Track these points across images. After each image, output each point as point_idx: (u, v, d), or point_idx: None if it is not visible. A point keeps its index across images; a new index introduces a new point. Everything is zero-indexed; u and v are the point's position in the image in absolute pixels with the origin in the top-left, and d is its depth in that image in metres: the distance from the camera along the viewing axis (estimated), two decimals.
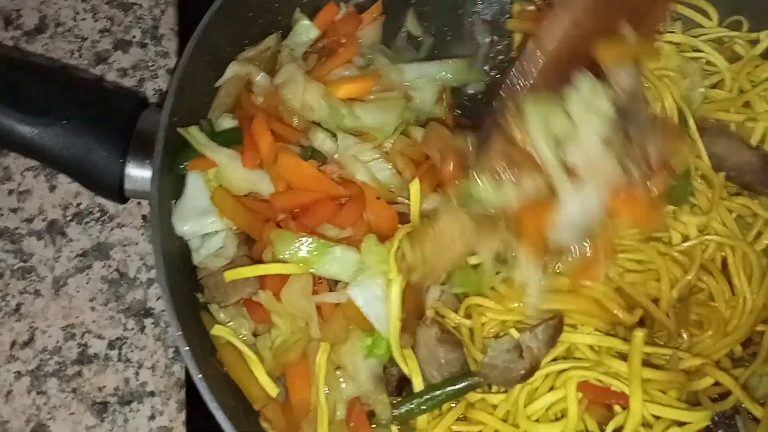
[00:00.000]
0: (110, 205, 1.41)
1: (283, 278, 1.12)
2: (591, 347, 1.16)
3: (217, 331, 1.12)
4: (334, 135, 1.20)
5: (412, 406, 1.12)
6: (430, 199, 1.16)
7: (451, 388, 1.12)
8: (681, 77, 1.31)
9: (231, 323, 1.14)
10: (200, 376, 1.03)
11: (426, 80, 1.34)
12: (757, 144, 1.29)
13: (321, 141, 1.18)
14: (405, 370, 1.14)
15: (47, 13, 1.51)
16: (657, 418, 1.11)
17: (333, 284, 1.15)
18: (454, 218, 1.08)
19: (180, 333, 1.04)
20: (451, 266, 1.13)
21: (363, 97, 1.27)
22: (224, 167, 1.16)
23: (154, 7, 1.54)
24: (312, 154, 1.20)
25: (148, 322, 1.36)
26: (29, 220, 1.40)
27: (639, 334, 1.10)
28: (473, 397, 1.16)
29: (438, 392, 1.12)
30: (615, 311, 1.16)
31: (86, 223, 1.41)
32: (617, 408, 1.13)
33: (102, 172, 1.18)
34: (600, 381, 1.11)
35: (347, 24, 1.35)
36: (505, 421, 1.14)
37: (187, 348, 1.04)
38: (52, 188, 1.42)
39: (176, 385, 1.33)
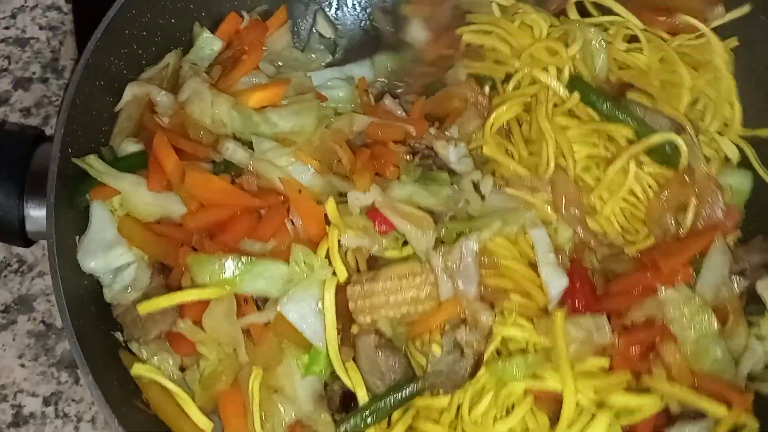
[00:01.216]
0: (28, 255, 1.33)
1: (204, 304, 1.04)
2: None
3: (137, 370, 1.04)
4: (246, 143, 1.13)
5: (357, 420, 1.04)
6: (371, 193, 1.10)
7: (396, 396, 1.05)
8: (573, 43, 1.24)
9: (154, 360, 1.06)
10: (116, 423, 0.95)
11: (340, 81, 1.28)
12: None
13: (231, 151, 1.11)
14: (348, 383, 1.06)
15: None
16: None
17: (262, 302, 1.07)
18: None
19: (90, 379, 0.96)
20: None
21: (276, 103, 1.19)
22: (129, 194, 1.08)
23: (51, 39, 1.46)
24: (226, 167, 1.12)
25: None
26: None
27: (559, 314, 1.04)
28: (418, 402, 1.09)
29: (382, 403, 1.04)
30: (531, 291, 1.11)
31: (5, 276, 1.32)
32: None
33: (0, 218, 1.10)
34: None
35: (253, 32, 1.28)
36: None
37: (99, 395, 0.95)
38: None
39: None
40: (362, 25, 1.42)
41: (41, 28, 1.47)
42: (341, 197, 1.12)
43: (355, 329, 1.08)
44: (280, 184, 1.10)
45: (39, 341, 1.29)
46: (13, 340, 1.29)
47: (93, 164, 1.08)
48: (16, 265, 1.33)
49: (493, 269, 1.12)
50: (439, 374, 1.04)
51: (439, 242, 1.11)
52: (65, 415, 1.25)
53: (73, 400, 1.26)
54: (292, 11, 1.37)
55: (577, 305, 1.06)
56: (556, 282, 1.08)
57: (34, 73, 1.44)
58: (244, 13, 1.31)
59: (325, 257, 1.07)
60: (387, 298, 1.05)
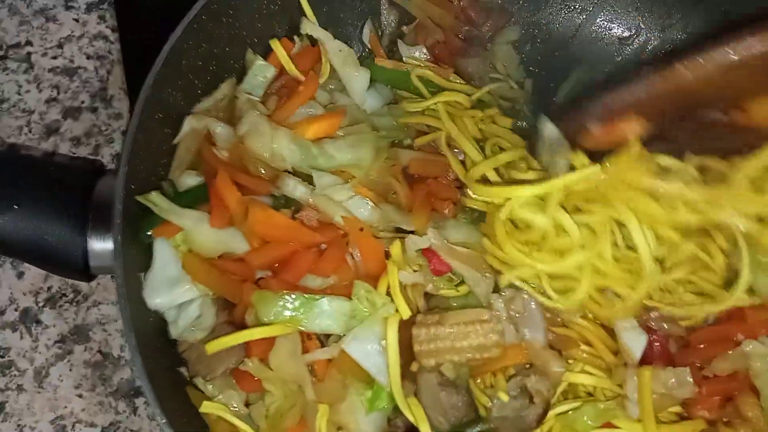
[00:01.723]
0: (83, 285, 1.34)
1: (270, 341, 1.04)
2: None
3: (206, 408, 1.04)
4: (307, 178, 1.13)
5: None
6: (428, 236, 1.10)
7: None
8: None
9: (220, 396, 1.06)
10: None
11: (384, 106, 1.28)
12: None
13: (292, 188, 1.10)
14: (411, 418, 1.05)
15: None
16: None
17: (325, 338, 1.08)
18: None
19: (165, 421, 0.96)
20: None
21: (332, 134, 1.19)
22: (192, 231, 1.08)
23: (99, 68, 1.46)
24: (285, 202, 1.12)
25: (139, 402, 1.28)
26: (0, 312, 1.32)
27: (646, 373, 1.03)
28: None
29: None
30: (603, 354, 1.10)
31: (60, 306, 1.33)
32: None
33: (63, 253, 1.10)
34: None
35: (305, 58, 1.27)
36: None
37: None
38: (20, 275, 1.34)
39: None
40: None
41: (89, 57, 1.47)
42: (396, 231, 1.12)
43: (414, 367, 1.08)
44: (341, 221, 1.10)
45: (96, 371, 1.29)
46: (70, 370, 1.29)
47: (156, 201, 1.08)
48: (71, 296, 1.33)
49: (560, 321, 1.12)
50: (505, 419, 1.04)
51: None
52: None
53: (131, 430, 1.27)
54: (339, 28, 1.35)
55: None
56: (637, 343, 1.07)
57: (83, 102, 1.44)
58: (296, 38, 1.30)
59: (386, 293, 1.07)
60: (453, 343, 1.04)
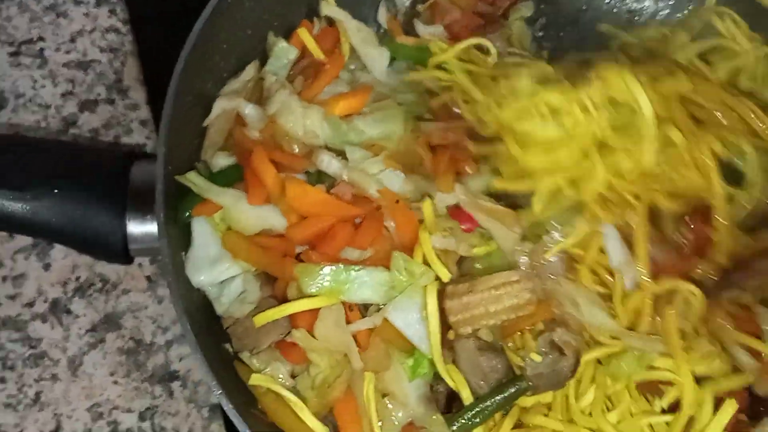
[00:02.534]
0: (111, 273, 1.34)
1: (314, 313, 1.06)
2: None
3: (255, 380, 1.06)
4: (339, 154, 1.15)
5: (465, 420, 1.06)
6: (456, 193, 1.12)
7: (501, 396, 1.07)
8: None
9: (267, 369, 1.08)
10: (248, 429, 0.97)
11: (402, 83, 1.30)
12: None
13: (327, 163, 1.13)
14: (451, 384, 1.09)
15: (4, 87, 1.44)
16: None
17: (364, 309, 1.10)
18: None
19: (221, 392, 0.98)
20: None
21: (359, 110, 1.22)
22: (230, 208, 1.10)
23: (113, 60, 1.47)
24: (319, 178, 1.15)
25: (175, 385, 1.29)
26: (30, 304, 1.32)
27: (671, 312, 1.06)
28: (526, 401, 1.11)
29: (488, 402, 1.07)
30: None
31: (90, 295, 1.33)
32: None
33: (103, 236, 1.11)
34: None
35: (326, 39, 1.29)
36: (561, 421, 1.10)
37: (231, 406, 0.98)
38: (47, 267, 1.34)
39: None
40: None
41: (102, 50, 1.48)
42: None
43: (451, 335, 1.10)
44: (376, 194, 1.12)
45: (130, 357, 1.30)
46: (104, 358, 1.30)
47: (195, 181, 1.10)
48: (99, 285, 1.34)
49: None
50: (541, 376, 1.07)
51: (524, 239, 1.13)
52: (162, 428, 1.27)
53: (169, 414, 1.28)
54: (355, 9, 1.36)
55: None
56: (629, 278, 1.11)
57: (99, 94, 1.45)
58: (315, 19, 1.32)
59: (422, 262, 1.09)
60: (486, 308, 1.06)
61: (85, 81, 1.46)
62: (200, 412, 1.28)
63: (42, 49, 1.48)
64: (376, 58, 1.29)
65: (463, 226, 1.13)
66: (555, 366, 1.08)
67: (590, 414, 1.09)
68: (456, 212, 1.14)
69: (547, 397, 1.11)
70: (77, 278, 1.34)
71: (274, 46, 1.26)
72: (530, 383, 1.08)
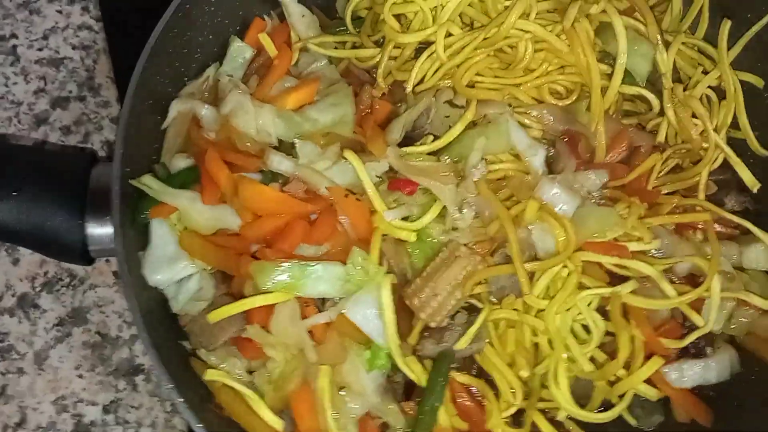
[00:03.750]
0: (79, 268, 1.37)
1: (269, 309, 1.09)
2: None
3: (210, 375, 1.08)
4: (289, 152, 1.17)
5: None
6: (387, 158, 1.16)
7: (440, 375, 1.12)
8: None
9: (223, 365, 1.11)
10: (200, 425, 1.00)
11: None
12: None
13: (277, 162, 1.14)
14: (411, 376, 1.12)
15: None
16: None
17: (320, 304, 1.13)
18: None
19: (172, 386, 1.01)
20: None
21: (311, 100, 1.24)
22: (186, 210, 1.13)
23: (85, 57, 1.49)
24: (273, 176, 1.17)
25: (139, 379, 1.32)
26: None
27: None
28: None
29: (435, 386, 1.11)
30: None
31: (57, 290, 1.36)
32: None
33: (63, 238, 1.14)
34: None
35: (277, 36, 1.31)
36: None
37: (182, 400, 1.01)
38: (15, 261, 1.38)
39: None
40: None
41: (74, 47, 1.50)
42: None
43: (413, 340, 1.14)
44: (326, 191, 1.14)
45: (95, 352, 1.34)
46: (70, 351, 1.33)
47: (150, 184, 1.12)
48: (67, 280, 1.37)
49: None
50: (504, 289, 1.16)
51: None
52: (125, 421, 1.31)
53: (132, 407, 1.31)
54: None
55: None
56: (536, 158, 1.20)
57: (70, 91, 1.47)
58: (266, 18, 1.34)
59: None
60: (447, 287, 1.11)
61: (57, 78, 1.49)
62: (163, 406, 1.31)
63: (15, 46, 1.50)
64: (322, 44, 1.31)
65: (405, 191, 1.17)
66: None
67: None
68: (394, 183, 1.17)
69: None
70: (45, 273, 1.37)
71: (230, 46, 1.28)
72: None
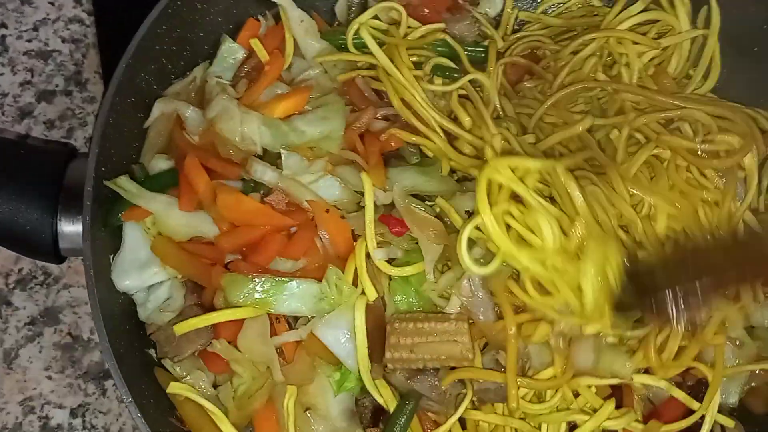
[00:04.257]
0: (54, 267, 1.34)
1: (238, 323, 1.06)
2: None
3: (173, 389, 1.05)
4: (274, 162, 1.13)
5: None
6: (392, 192, 1.11)
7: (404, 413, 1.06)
8: None
9: (188, 377, 1.08)
10: None
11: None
12: None
13: (260, 173, 1.11)
14: (380, 401, 1.08)
15: None
16: None
17: (293, 320, 1.09)
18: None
19: (131, 400, 0.97)
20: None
21: (301, 110, 1.20)
22: (161, 214, 1.09)
23: (74, 51, 1.46)
24: (255, 186, 1.13)
25: (108, 384, 1.29)
26: None
27: None
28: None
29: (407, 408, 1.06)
30: None
31: (31, 288, 1.33)
32: None
33: (33, 235, 1.11)
34: None
35: (271, 39, 1.26)
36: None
37: (139, 415, 0.97)
38: None
39: None
40: None
41: (64, 41, 1.47)
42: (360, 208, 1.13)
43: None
44: (308, 205, 1.11)
45: (66, 353, 1.30)
46: (40, 352, 1.30)
47: (125, 186, 1.09)
48: (41, 278, 1.34)
49: None
50: (487, 391, 1.08)
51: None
52: (92, 426, 1.27)
53: (101, 412, 1.28)
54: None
55: None
56: None
57: (57, 85, 1.44)
58: (261, 18, 1.29)
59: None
60: (424, 357, 1.05)
61: (45, 71, 1.45)
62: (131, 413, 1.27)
63: (3, 36, 1.47)
64: (314, 51, 1.26)
65: (393, 230, 1.12)
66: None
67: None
68: (386, 218, 1.13)
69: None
70: (20, 270, 1.34)
71: (221, 46, 1.24)
72: (475, 397, 1.09)
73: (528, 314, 1.06)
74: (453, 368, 1.08)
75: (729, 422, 1.12)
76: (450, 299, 1.08)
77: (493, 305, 1.07)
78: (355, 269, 1.08)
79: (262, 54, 1.23)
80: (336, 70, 1.25)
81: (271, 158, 1.15)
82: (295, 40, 1.26)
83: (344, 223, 1.10)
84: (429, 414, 1.10)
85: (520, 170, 1.03)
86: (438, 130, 1.19)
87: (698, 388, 1.14)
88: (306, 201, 1.10)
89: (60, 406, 1.28)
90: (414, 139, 1.18)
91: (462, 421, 1.11)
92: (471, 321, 1.07)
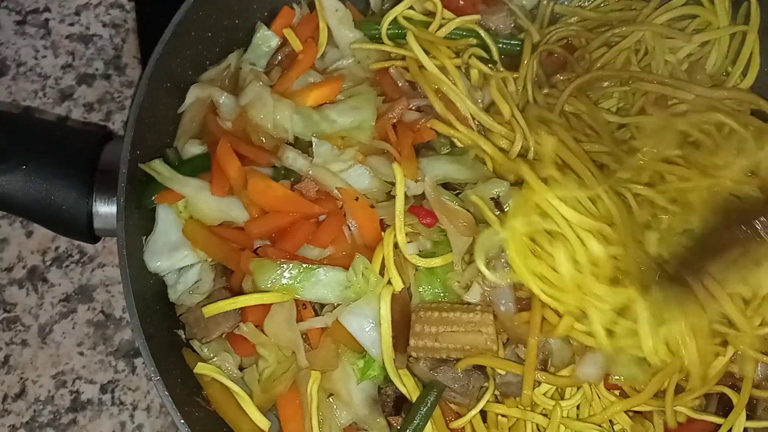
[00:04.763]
0: (89, 246, 1.37)
1: (266, 308, 1.07)
2: None
3: (200, 369, 1.07)
4: (305, 150, 1.15)
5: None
6: (423, 182, 1.11)
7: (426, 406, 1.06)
8: None
9: (215, 359, 1.09)
10: (182, 421, 0.99)
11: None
12: None
13: (292, 160, 1.12)
14: (403, 390, 1.08)
15: (7, 55, 1.47)
16: None
17: (319, 307, 1.10)
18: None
19: (159, 378, 1.00)
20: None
21: (333, 99, 1.21)
22: (193, 198, 1.11)
23: (114, 36, 1.49)
24: (285, 173, 1.14)
25: (138, 362, 1.32)
26: (9, 269, 1.36)
27: None
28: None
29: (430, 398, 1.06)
30: None
31: (66, 266, 1.37)
32: None
33: (69, 214, 1.13)
34: None
35: (305, 27, 1.28)
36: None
37: (166, 393, 1.00)
38: (29, 234, 1.38)
39: (173, 425, 1.29)
40: None
41: (104, 25, 1.50)
42: (389, 197, 1.13)
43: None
44: (338, 193, 1.12)
45: (98, 330, 1.33)
46: (73, 328, 1.34)
47: (158, 169, 1.11)
48: (77, 256, 1.37)
49: None
50: (509, 384, 1.08)
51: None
52: (121, 403, 1.30)
53: (129, 389, 1.31)
54: None
55: None
56: None
57: (97, 69, 1.47)
58: (295, 6, 1.30)
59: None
60: (448, 346, 1.06)
61: (85, 55, 1.49)
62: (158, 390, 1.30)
63: (47, 20, 1.50)
64: (348, 41, 1.27)
65: (423, 221, 1.12)
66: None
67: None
68: (417, 209, 1.13)
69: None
70: (56, 248, 1.38)
71: (256, 33, 1.26)
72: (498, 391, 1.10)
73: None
74: None
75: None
76: (471, 288, 1.08)
77: (515, 297, 1.07)
78: (383, 259, 1.08)
79: (295, 43, 1.24)
80: (369, 61, 1.25)
81: (303, 146, 1.16)
82: (329, 29, 1.27)
83: (373, 212, 1.11)
84: (451, 405, 1.11)
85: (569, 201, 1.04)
86: (472, 123, 1.19)
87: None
88: (336, 189, 1.11)
89: (91, 382, 1.31)
90: (451, 132, 1.18)
91: (483, 415, 1.11)
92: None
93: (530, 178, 1.06)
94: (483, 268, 1.05)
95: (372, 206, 1.12)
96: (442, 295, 1.10)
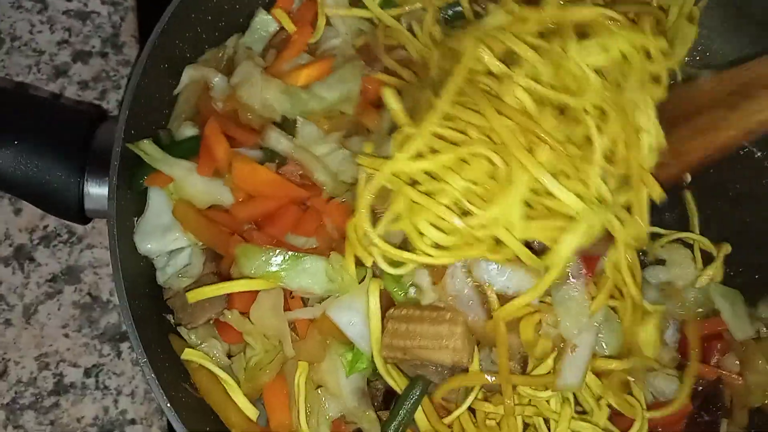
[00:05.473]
0: (78, 226, 1.35)
1: (253, 295, 1.05)
2: None
3: (187, 355, 1.05)
4: (293, 131, 1.13)
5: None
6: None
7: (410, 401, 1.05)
8: None
9: (203, 345, 1.08)
10: (169, 405, 0.98)
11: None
12: None
13: (275, 141, 1.10)
14: (392, 384, 1.07)
15: (2, 28, 1.44)
16: None
17: (307, 298, 1.08)
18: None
19: (145, 361, 0.98)
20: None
21: (323, 77, 1.19)
22: (182, 180, 1.09)
23: (113, 14, 1.47)
24: (273, 155, 1.12)
25: (124, 346, 1.30)
26: None
27: None
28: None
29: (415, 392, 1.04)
30: None
31: (54, 246, 1.34)
32: None
33: (59, 193, 1.12)
34: None
35: (305, 12, 1.26)
36: None
37: (153, 376, 0.98)
38: (17, 211, 1.36)
39: (157, 412, 1.27)
40: None
41: (103, 2, 1.47)
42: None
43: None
44: (321, 179, 1.09)
45: (84, 313, 1.31)
46: (59, 309, 1.31)
47: (147, 150, 1.09)
48: (66, 236, 1.35)
49: None
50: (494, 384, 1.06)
51: None
52: (105, 387, 1.28)
53: (114, 374, 1.29)
54: None
55: None
56: None
57: (93, 47, 1.45)
58: None
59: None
60: (419, 345, 1.02)
61: (82, 31, 1.46)
62: (144, 376, 1.28)
63: None
64: (345, 20, 1.26)
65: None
66: None
67: None
68: None
69: None
70: (45, 227, 1.35)
71: (255, 17, 1.25)
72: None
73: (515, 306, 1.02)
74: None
75: None
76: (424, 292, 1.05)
77: (482, 301, 1.03)
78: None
79: (288, 25, 1.23)
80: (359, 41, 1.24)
81: (291, 127, 1.15)
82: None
83: (345, 207, 1.08)
84: (441, 401, 1.10)
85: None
86: None
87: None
88: (320, 175, 1.09)
89: (75, 365, 1.29)
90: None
91: (472, 409, 1.09)
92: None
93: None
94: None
95: (344, 201, 1.09)
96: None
